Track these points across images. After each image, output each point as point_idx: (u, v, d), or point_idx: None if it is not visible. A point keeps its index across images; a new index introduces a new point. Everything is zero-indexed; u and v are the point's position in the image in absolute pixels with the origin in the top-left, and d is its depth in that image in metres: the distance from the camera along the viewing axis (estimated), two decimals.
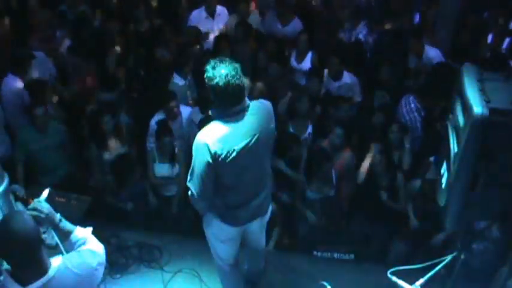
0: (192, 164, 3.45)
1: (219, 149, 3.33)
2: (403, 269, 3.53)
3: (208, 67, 3.31)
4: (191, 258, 4.84)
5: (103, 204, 5.43)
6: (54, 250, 4.46)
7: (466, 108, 2.84)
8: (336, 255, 4.95)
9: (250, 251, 4.33)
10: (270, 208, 3.97)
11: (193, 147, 3.42)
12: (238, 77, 3.29)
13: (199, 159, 3.38)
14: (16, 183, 4.12)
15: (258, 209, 3.78)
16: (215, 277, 4.48)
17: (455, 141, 3.04)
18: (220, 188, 3.58)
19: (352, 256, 4.95)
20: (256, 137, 3.43)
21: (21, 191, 3.82)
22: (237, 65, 3.32)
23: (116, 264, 4.73)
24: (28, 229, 2.50)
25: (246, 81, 3.66)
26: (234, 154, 3.36)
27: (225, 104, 3.37)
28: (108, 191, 5.52)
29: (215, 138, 3.34)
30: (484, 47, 7.02)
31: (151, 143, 5.75)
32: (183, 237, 5.14)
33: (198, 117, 5.55)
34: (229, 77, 3.25)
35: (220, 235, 3.86)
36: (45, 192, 3.65)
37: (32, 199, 3.69)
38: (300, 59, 6.88)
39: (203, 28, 7.21)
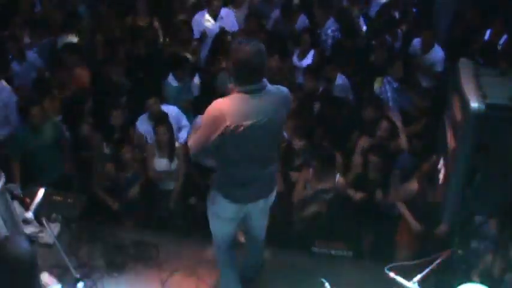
0: (200, 125, 3.54)
1: (229, 120, 3.40)
2: (401, 265, 3.54)
3: (236, 42, 3.50)
4: (188, 256, 4.82)
5: (99, 203, 5.43)
6: (51, 248, 4.50)
7: (463, 104, 2.85)
8: (333, 251, 4.94)
9: (249, 242, 4.37)
10: (275, 192, 4.00)
11: (208, 112, 3.49)
12: (260, 56, 3.40)
13: (210, 122, 3.47)
14: (12, 182, 4.10)
15: (261, 189, 3.84)
16: (213, 275, 4.49)
17: (452, 136, 3.05)
18: (226, 163, 3.67)
19: (350, 253, 4.94)
20: (266, 119, 3.49)
21: (17, 190, 3.81)
22: (261, 45, 3.44)
23: (112, 263, 4.71)
24: (22, 256, 2.43)
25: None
26: (241, 129, 3.42)
27: (243, 79, 3.46)
28: (105, 183, 5.53)
29: (230, 109, 3.42)
30: (479, 41, 7.05)
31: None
32: (180, 236, 5.14)
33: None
34: (251, 54, 3.36)
35: (221, 213, 3.92)
36: (41, 192, 3.65)
37: (29, 198, 3.70)
38: (302, 56, 6.91)
39: (202, 30, 7.22)
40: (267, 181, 3.84)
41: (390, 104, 6.31)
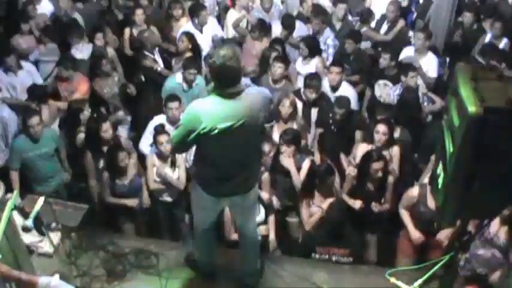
0: (181, 122, 3.76)
1: (204, 123, 3.54)
2: (402, 270, 3.53)
3: (212, 47, 3.52)
4: (188, 262, 4.81)
5: (100, 212, 5.42)
6: (51, 258, 4.50)
7: (461, 108, 2.85)
8: (334, 258, 4.93)
9: (243, 243, 4.41)
10: (255, 191, 4.11)
11: (187, 111, 3.71)
12: (235, 59, 3.50)
13: (188, 123, 3.64)
14: (12, 192, 4.10)
15: (236, 186, 3.93)
16: (213, 283, 4.50)
17: (450, 141, 3.05)
18: (203, 158, 3.83)
19: (350, 259, 4.93)
20: (242, 122, 3.60)
21: (17, 200, 3.81)
22: (237, 49, 3.58)
23: (113, 271, 4.70)
24: None
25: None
26: (215, 131, 3.55)
27: (219, 83, 3.58)
28: (103, 193, 5.51)
29: (205, 111, 3.57)
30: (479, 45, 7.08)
31: (148, 145, 5.82)
32: (180, 243, 5.13)
33: None
34: (225, 58, 3.47)
35: (199, 201, 4.08)
36: (40, 201, 3.65)
37: (29, 208, 3.70)
38: (306, 62, 6.94)
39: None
40: (244, 180, 3.93)
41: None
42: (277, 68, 6.39)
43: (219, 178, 3.87)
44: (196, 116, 3.58)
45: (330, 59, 7.37)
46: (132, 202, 5.48)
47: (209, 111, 3.57)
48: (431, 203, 4.82)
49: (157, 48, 7.11)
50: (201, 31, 7.27)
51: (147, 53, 6.94)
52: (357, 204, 5.23)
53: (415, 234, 4.96)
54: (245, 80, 3.91)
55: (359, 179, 5.31)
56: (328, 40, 7.46)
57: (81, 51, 7.04)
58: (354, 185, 5.34)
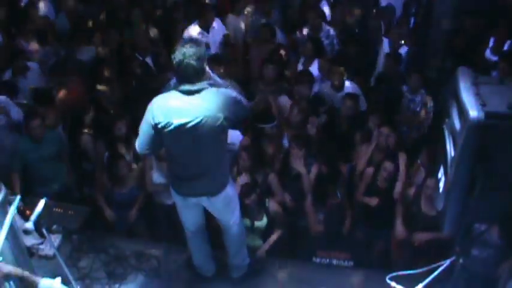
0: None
1: (160, 117, 3.65)
2: (402, 274, 3.53)
3: (179, 43, 3.71)
4: (189, 266, 4.82)
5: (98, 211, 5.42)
6: (52, 260, 4.50)
7: (462, 112, 2.86)
8: (335, 261, 4.92)
9: (224, 236, 4.43)
10: (225, 195, 4.05)
11: (149, 105, 3.75)
12: (195, 58, 3.54)
13: (146, 118, 3.74)
14: (13, 194, 4.11)
15: (198, 188, 3.96)
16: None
17: (451, 145, 3.05)
18: (167, 156, 3.95)
19: (351, 263, 4.92)
20: (198, 120, 3.63)
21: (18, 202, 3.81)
22: (200, 49, 3.59)
23: (114, 274, 4.71)
24: None
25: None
26: (171, 127, 3.64)
27: (180, 79, 3.66)
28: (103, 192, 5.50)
29: (161, 106, 3.67)
30: (482, 50, 7.07)
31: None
32: (181, 246, 5.13)
33: None
34: (185, 55, 3.53)
35: (175, 200, 4.19)
36: (41, 203, 3.65)
37: (30, 210, 3.70)
38: (307, 65, 6.89)
39: None
40: (207, 181, 3.93)
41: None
42: (269, 70, 6.36)
43: (181, 177, 3.95)
44: (152, 109, 3.67)
45: (337, 48, 7.40)
46: (109, 216, 5.42)
47: (166, 105, 3.65)
48: (424, 204, 4.84)
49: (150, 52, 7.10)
50: (207, 31, 7.27)
51: (138, 55, 6.93)
52: (372, 201, 5.23)
53: (399, 229, 5.00)
54: (219, 80, 3.89)
55: (371, 178, 5.32)
56: (330, 31, 7.41)
57: (82, 54, 7.03)
58: (369, 184, 5.33)
